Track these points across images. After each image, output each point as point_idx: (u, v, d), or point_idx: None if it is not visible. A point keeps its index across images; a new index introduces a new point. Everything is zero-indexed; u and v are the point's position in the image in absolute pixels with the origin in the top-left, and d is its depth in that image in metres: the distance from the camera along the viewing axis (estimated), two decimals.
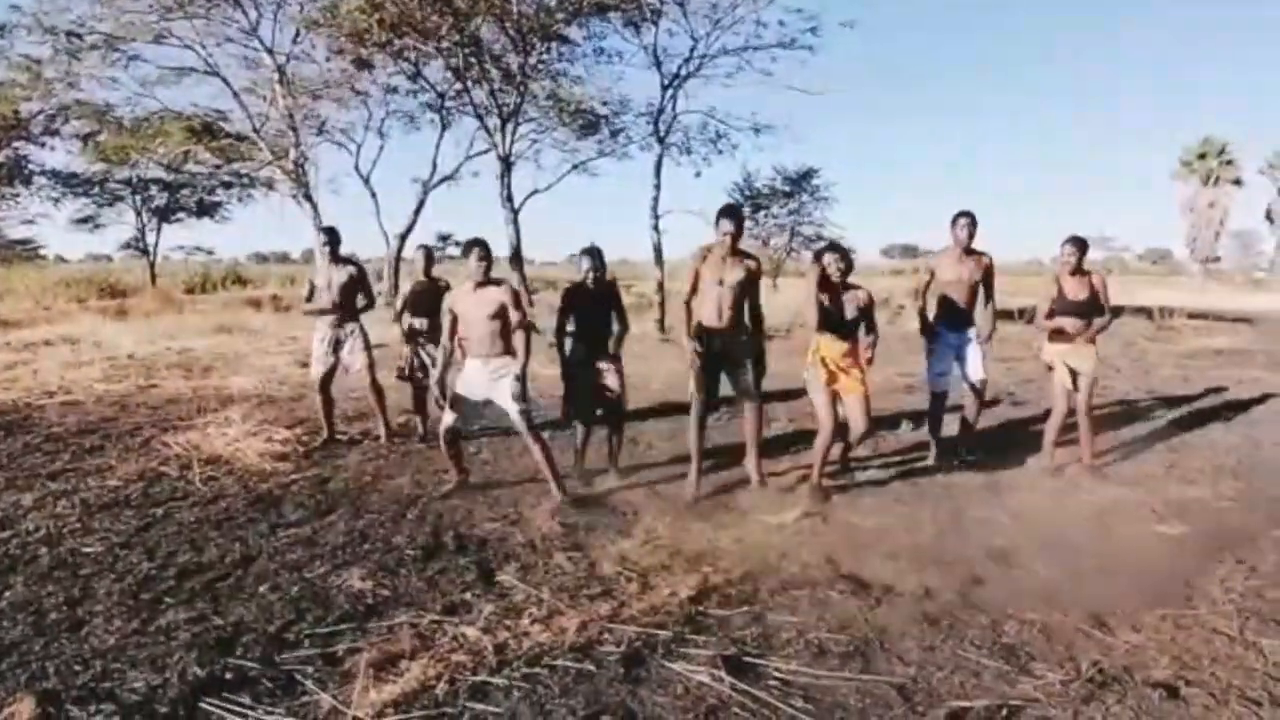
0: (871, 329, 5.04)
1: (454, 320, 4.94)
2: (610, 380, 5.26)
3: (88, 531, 4.40)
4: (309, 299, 6.31)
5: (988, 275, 5.50)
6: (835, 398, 4.91)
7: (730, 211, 4.83)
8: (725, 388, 5.10)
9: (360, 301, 6.31)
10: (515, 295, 4.89)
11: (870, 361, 5.02)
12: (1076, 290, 5.29)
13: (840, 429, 5.03)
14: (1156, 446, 6.08)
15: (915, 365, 10.09)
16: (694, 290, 4.92)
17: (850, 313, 4.90)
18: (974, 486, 5.11)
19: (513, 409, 4.84)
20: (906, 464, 5.73)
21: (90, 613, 3.39)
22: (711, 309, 4.84)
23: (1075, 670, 2.82)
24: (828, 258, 4.87)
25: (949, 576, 3.69)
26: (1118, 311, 6.33)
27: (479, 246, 4.78)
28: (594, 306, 5.24)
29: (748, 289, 4.85)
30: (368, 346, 6.28)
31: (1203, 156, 33.71)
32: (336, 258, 6.24)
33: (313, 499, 4.99)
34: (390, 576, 3.77)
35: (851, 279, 4.94)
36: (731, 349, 4.93)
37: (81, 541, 4.24)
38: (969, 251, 5.42)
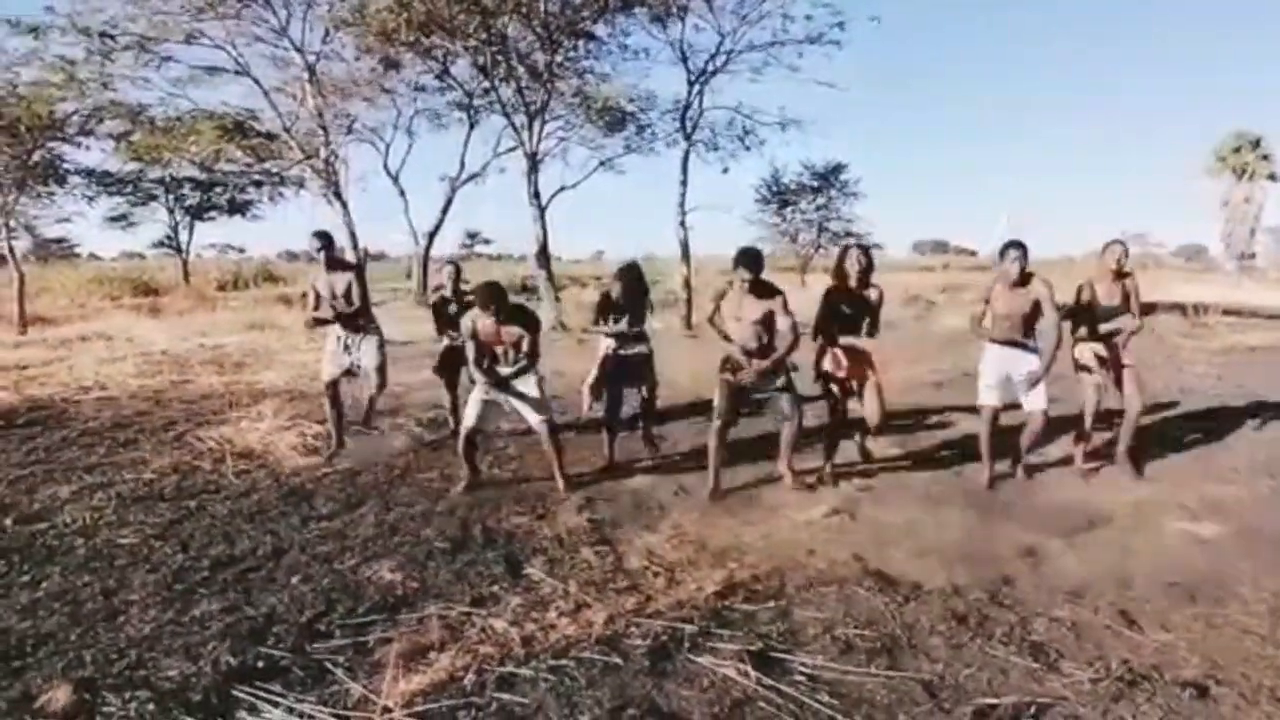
0: (875, 327, 5.12)
1: (478, 345, 4.94)
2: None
3: (123, 523, 4.48)
4: (315, 308, 5.99)
5: (1037, 307, 4.88)
6: (847, 392, 5.13)
7: (748, 259, 4.69)
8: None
9: (355, 302, 5.92)
10: (534, 324, 4.96)
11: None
12: (1110, 294, 5.23)
13: (855, 422, 5.32)
14: (1189, 444, 5.98)
15: (944, 361, 10.09)
16: (715, 314, 5.06)
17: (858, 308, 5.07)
18: (1004, 484, 5.06)
19: (535, 419, 4.99)
20: (935, 462, 5.68)
21: (125, 603, 3.47)
22: (739, 338, 4.86)
23: (1104, 668, 2.80)
24: (850, 256, 5.03)
25: (977, 574, 3.68)
26: (1149, 309, 6.17)
27: (491, 292, 4.76)
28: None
29: (771, 320, 4.77)
30: (382, 347, 6.11)
31: (1237, 151, 33.03)
32: (332, 262, 5.94)
33: (343, 492, 5.06)
34: (419, 569, 3.82)
35: (878, 277, 5.07)
36: (761, 380, 4.83)
37: (117, 533, 4.32)
38: (1021, 283, 4.91)
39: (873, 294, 5.04)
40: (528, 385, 4.98)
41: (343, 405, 6.13)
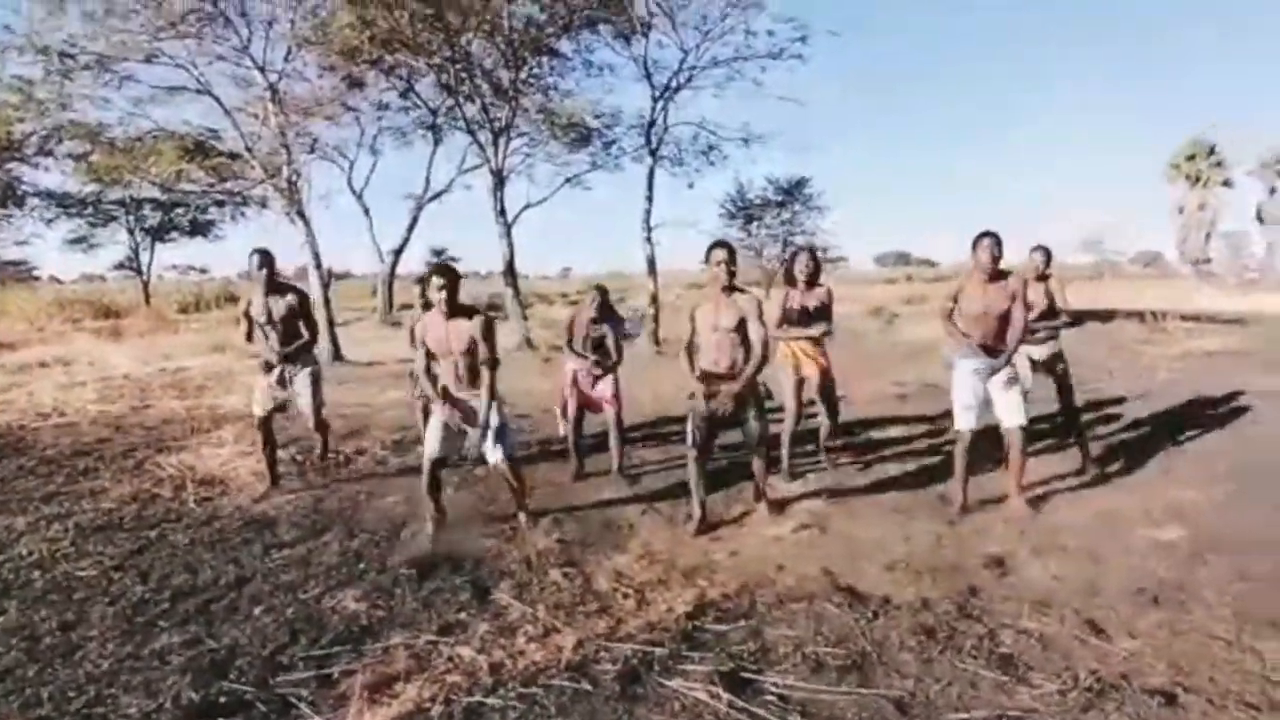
0: (828, 320, 5.62)
1: (428, 353, 4.58)
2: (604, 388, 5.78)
3: (81, 555, 4.38)
4: (248, 337, 5.53)
5: (1014, 301, 4.73)
6: (800, 384, 5.61)
7: (722, 242, 4.62)
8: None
9: (303, 334, 5.53)
10: (488, 327, 4.51)
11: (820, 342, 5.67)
12: (1036, 297, 5.47)
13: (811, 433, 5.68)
14: (1150, 450, 6.07)
15: (907, 374, 10.19)
16: (693, 337, 4.72)
17: (812, 305, 5.57)
18: (970, 494, 5.09)
19: (495, 455, 4.53)
20: (903, 474, 5.71)
21: (84, 637, 3.38)
22: (710, 355, 4.59)
23: (1073, 679, 2.81)
24: (800, 259, 5.61)
25: (946, 586, 3.69)
26: (1078, 319, 6.28)
27: (439, 275, 4.44)
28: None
29: (744, 330, 4.54)
30: (317, 384, 5.61)
31: (1191, 158, 33.78)
32: (274, 285, 5.45)
33: (306, 519, 4.98)
34: (385, 597, 3.76)
35: (843, 290, 5.17)
36: (734, 404, 4.58)
37: (75, 565, 4.22)
38: (995, 276, 4.69)
39: (821, 293, 5.59)
40: (490, 413, 4.49)
41: (275, 441, 5.73)
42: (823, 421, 5.87)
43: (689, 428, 4.64)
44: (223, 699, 2.87)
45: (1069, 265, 39.18)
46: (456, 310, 4.44)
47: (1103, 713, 2.63)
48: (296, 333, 5.49)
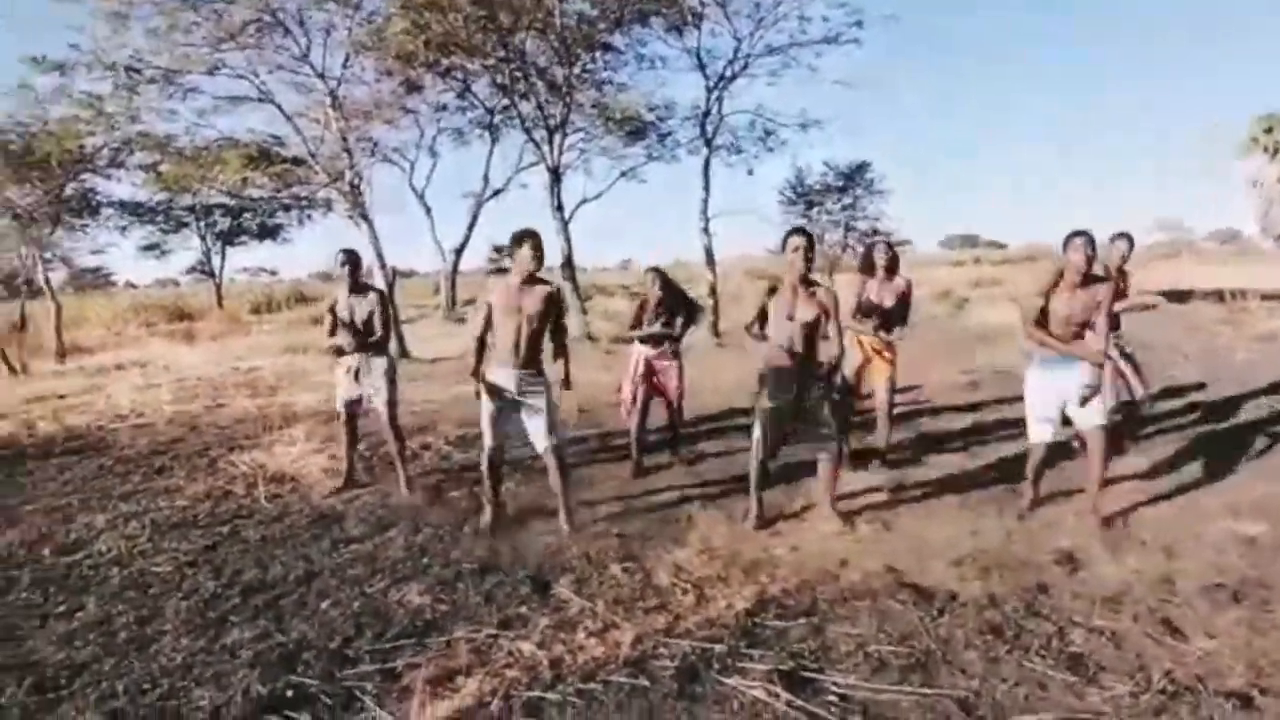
0: (904, 315, 5.59)
1: (487, 319, 4.52)
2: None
3: (157, 551, 4.54)
4: (331, 334, 5.61)
5: (1100, 310, 4.31)
6: (860, 375, 5.63)
7: (800, 229, 4.44)
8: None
9: (378, 332, 5.58)
10: (559, 295, 4.56)
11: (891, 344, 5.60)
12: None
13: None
14: (1228, 438, 5.82)
15: (977, 360, 9.95)
16: (759, 322, 4.57)
17: (889, 301, 5.53)
18: (1042, 488, 4.93)
19: (544, 442, 4.54)
20: (971, 469, 5.58)
21: (159, 631, 3.50)
22: (782, 347, 4.40)
23: (1146, 680, 2.72)
24: (879, 250, 5.60)
25: (1014, 583, 3.60)
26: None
27: (532, 237, 4.42)
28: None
29: (821, 325, 4.37)
30: (393, 383, 5.65)
31: (1269, 131, 32.28)
32: (357, 285, 5.56)
33: (373, 515, 5.08)
34: (448, 591, 3.81)
35: (908, 273, 5.14)
36: (805, 393, 4.41)
37: (151, 561, 4.37)
38: (1086, 281, 4.29)
39: (900, 284, 5.55)
40: (539, 399, 4.52)
41: (357, 437, 5.84)
42: (880, 431, 5.66)
43: (756, 427, 4.51)
44: (290, 692, 2.95)
45: (1143, 246, 37.75)
46: (534, 279, 4.46)
47: (1176, 716, 2.53)
48: (374, 332, 5.58)
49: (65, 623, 3.63)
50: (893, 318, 5.53)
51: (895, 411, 5.88)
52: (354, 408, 5.65)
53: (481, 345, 4.58)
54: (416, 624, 3.47)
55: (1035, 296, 4.40)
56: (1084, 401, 4.31)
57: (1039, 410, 4.46)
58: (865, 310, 5.54)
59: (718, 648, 3.09)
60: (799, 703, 2.68)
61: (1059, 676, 2.78)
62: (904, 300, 5.56)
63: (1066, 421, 4.46)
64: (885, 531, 4.40)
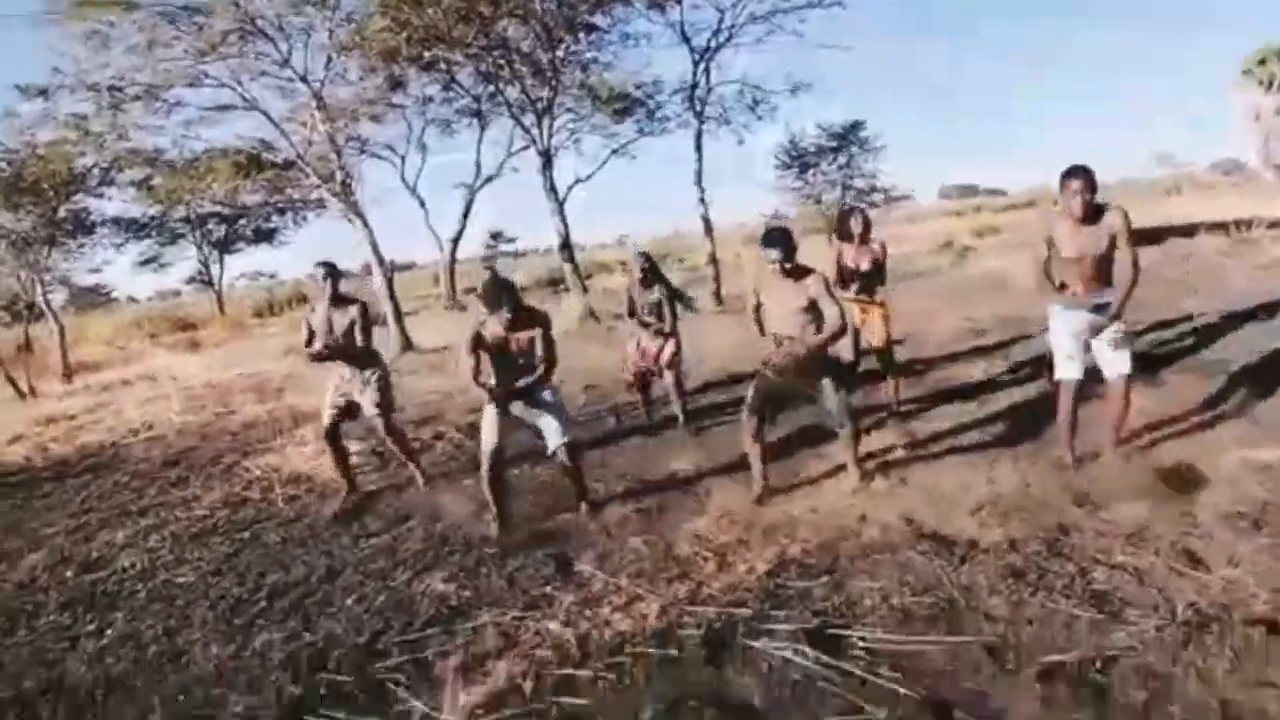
0: (883, 280, 5.83)
1: (478, 356, 4.40)
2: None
3: (180, 562, 4.58)
4: (308, 344, 5.46)
5: (1114, 244, 4.07)
6: (857, 333, 5.82)
7: (774, 239, 4.20)
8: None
9: (359, 342, 5.33)
10: (546, 322, 4.45)
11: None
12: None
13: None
14: (1241, 366, 5.78)
15: (982, 309, 9.87)
16: (757, 306, 4.47)
17: (865, 265, 5.75)
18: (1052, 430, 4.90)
19: (555, 440, 4.42)
20: (984, 417, 5.55)
21: (189, 641, 3.54)
22: (779, 324, 4.32)
23: (1171, 613, 2.73)
24: (855, 218, 5.82)
25: (1034, 526, 3.59)
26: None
27: (499, 287, 4.29)
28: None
29: (814, 309, 4.21)
30: (385, 389, 5.43)
31: (1263, 63, 31.90)
32: (337, 297, 5.38)
33: (390, 507, 5.10)
34: (471, 577, 3.84)
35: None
36: (805, 366, 4.25)
37: (175, 572, 4.41)
38: (1090, 216, 4.06)
39: (875, 249, 5.79)
40: (546, 395, 4.45)
41: (346, 450, 5.63)
42: (889, 383, 5.98)
43: (744, 410, 4.47)
44: (323, 690, 2.98)
45: (1141, 181, 37.44)
46: (522, 319, 4.34)
47: (1203, 646, 2.53)
48: (355, 343, 5.36)
49: (95, 640, 3.67)
50: (872, 280, 5.82)
51: (897, 361, 6.12)
52: (335, 427, 5.41)
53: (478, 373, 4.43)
54: (442, 612, 3.50)
55: (1036, 243, 4.27)
56: (1116, 345, 4.19)
57: (1065, 347, 4.29)
58: (845, 276, 5.80)
59: (743, 611, 3.10)
60: (827, 660, 2.70)
61: (1084, 615, 2.79)
62: (879, 263, 5.85)
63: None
64: (902, 485, 4.37)
